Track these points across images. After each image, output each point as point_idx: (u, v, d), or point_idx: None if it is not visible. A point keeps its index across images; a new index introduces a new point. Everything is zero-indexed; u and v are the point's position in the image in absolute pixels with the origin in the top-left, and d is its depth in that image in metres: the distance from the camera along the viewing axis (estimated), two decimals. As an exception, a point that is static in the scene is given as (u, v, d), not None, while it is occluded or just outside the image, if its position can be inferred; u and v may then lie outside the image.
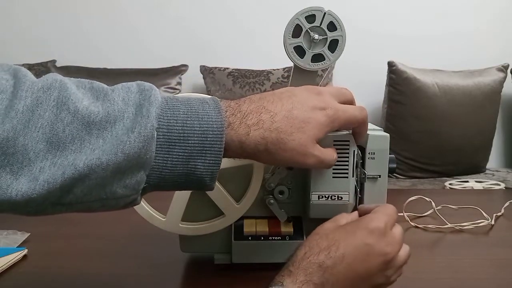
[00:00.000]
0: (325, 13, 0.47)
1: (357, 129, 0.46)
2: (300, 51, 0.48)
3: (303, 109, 0.40)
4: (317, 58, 0.48)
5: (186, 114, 0.36)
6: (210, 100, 0.38)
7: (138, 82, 0.37)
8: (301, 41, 0.48)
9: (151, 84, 0.37)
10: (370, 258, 0.39)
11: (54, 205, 0.33)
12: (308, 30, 0.47)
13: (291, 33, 0.47)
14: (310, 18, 0.47)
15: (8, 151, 0.31)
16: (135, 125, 0.34)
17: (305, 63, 0.48)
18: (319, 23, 0.47)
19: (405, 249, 0.44)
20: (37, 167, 0.31)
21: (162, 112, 0.35)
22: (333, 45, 0.48)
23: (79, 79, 0.36)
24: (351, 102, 0.45)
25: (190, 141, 0.36)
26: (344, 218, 0.45)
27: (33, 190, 0.31)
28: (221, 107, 0.37)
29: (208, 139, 0.36)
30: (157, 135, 0.35)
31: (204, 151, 0.36)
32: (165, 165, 0.36)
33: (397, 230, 0.44)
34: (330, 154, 0.42)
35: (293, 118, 0.39)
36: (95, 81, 0.37)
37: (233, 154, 0.39)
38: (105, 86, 0.37)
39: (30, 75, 0.34)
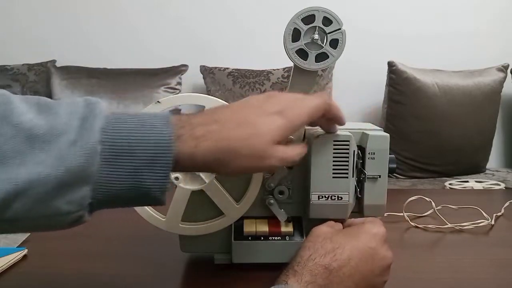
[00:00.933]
0: (320, 11, 0.47)
1: (327, 115, 0.43)
2: (302, 54, 0.48)
3: (256, 114, 0.39)
4: (321, 57, 0.48)
5: (132, 126, 0.35)
6: (160, 114, 0.37)
7: (86, 97, 0.36)
8: (301, 44, 0.48)
9: (97, 99, 0.36)
10: (373, 260, 0.40)
11: None
12: (307, 31, 0.47)
13: (291, 37, 0.48)
14: (307, 19, 0.47)
15: None
16: (78, 139, 0.33)
17: (310, 64, 0.48)
18: (316, 22, 0.47)
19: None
20: None
21: (107, 125, 0.34)
22: (334, 42, 0.48)
23: (26, 96, 0.35)
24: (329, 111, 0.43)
25: (136, 154, 0.34)
26: (336, 224, 0.47)
27: None
28: (170, 120, 0.36)
29: (156, 151, 0.34)
30: (101, 148, 0.33)
31: (152, 164, 0.35)
32: (110, 179, 0.34)
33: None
34: (293, 150, 0.41)
35: (244, 125, 0.38)
36: (42, 97, 0.36)
37: (184, 168, 0.37)
38: (51, 100, 0.36)
39: None
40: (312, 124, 0.45)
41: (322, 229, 0.44)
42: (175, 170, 0.36)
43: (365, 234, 0.42)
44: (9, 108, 0.33)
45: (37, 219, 0.33)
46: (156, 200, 0.36)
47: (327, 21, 0.47)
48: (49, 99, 0.36)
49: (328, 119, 0.45)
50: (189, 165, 0.36)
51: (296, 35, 0.47)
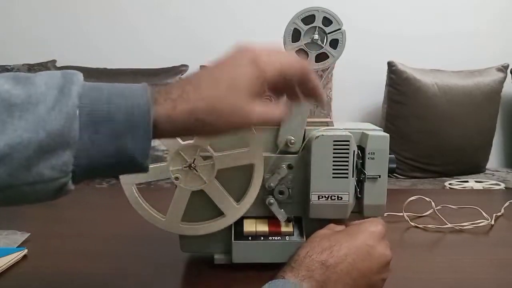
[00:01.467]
0: (320, 11, 0.47)
1: (303, 79, 0.40)
2: (302, 54, 0.48)
3: (228, 67, 0.38)
4: (321, 57, 0.48)
5: (110, 93, 0.35)
6: (136, 84, 0.37)
7: (63, 70, 0.37)
8: (301, 44, 0.48)
9: (75, 71, 0.37)
10: (371, 257, 0.40)
11: None
12: (307, 31, 0.47)
13: (291, 37, 0.48)
14: (306, 19, 0.47)
15: None
16: (56, 104, 0.33)
17: (310, 64, 0.48)
18: (316, 22, 0.47)
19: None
20: None
21: (85, 92, 0.35)
22: (334, 42, 0.48)
23: (2, 73, 0.36)
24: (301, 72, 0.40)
25: (116, 119, 0.34)
26: (338, 227, 0.47)
27: None
28: (146, 87, 0.36)
29: (135, 115, 0.35)
30: (80, 114, 0.34)
31: (132, 129, 0.35)
32: (92, 145, 0.34)
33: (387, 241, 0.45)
34: (273, 108, 0.40)
35: (217, 80, 0.37)
36: (18, 72, 0.36)
37: (164, 132, 0.37)
38: (28, 73, 0.36)
39: None
40: (286, 86, 0.41)
41: (321, 231, 0.45)
42: (156, 135, 0.36)
43: (362, 232, 0.42)
44: None
45: (20, 187, 0.33)
46: (139, 166, 0.36)
47: (327, 21, 0.47)
48: (25, 73, 0.36)
49: (305, 87, 0.41)
50: (169, 128, 0.36)
51: (296, 35, 0.47)
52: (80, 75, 0.36)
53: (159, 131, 0.36)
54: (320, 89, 0.42)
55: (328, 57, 0.48)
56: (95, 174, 0.37)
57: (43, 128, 0.32)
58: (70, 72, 0.36)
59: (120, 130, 0.35)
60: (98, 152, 0.35)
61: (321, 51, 0.48)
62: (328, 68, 0.50)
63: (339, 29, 0.47)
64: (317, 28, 0.47)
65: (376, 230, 0.43)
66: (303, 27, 0.47)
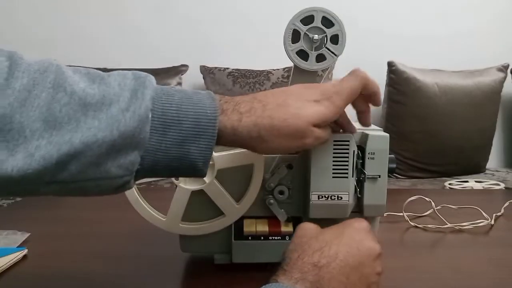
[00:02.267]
0: (319, 12, 0.47)
1: (365, 91, 0.44)
2: (303, 55, 0.48)
3: (297, 99, 0.41)
4: (321, 57, 0.48)
5: (180, 99, 0.37)
6: (203, 91, 0.40)
7: (134, 71, 0.38)
8: (301, 45, 0.48)
9: (146, 73, 0.38)
10: (360, 252, 0.41)
11: (49, 184, 0.34)
12: (306, 32, 0.47)
13: (291, 39, 0.48)
14: (306, 20, 0.47)
15: (4, 127, 0.31)
16: (129, 106, 0.35)
17: (311, 65, 0.48)
18: (316, 23, 0.47)
19: None
20: (33, 145, 0.32)
21: (157, 96, 0.36)
22: (334, 41, 0.48)
23: (76, 67, 0.38)
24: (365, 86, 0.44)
25: (184, 125, 0.36)
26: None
27: (28, 165, 0.31)
28: (214, 96, 0.39)
29: (202, 123, 0.37)
30: (152, 117, 0.35)
31: (198, 136, 0.37)
32: (159, 147, 0.36)
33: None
34: (326, 131, 0.43)
35: (286, 106, 0.40)
36: (91, 69, 0.38)
37: (226, 141, 0.39)
38: (101, 72, 0.37)
39: (26, 57, 0.35)
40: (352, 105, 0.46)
41: (306, 226, 0.44)
42: (218, 143, 0.38)
43: (348, 228, 0.43)
44: (62, 77, 0.34)
45: (86, 182, 0.35)
46: (199, 171, 0.39)
47: (326, 21, 0.47)
48: (98, 71, 0.37)
49: (366, 96, 0.45)
50: (232, 139, 0.39)
51: (295, 36, 0.47)
52: (152, 79, 0.38)
53: (222, 140, 0.39)
54: (379, 95, 0.46)
55: (328, 56, 0.48)
56: (156, 174, 0.38)
57: (117, 128, 0.34)
58: (143, 75, 0.37)
59: (187, 136, 0.37)
60: (164, 155, 0.37)
61: (321, 51, 0.48)
62: (328, 68, 0.50)
63: (339, 29, 0.47)
64: (316, 28, 0.47)
65: (361, 226, 0.43)
66: (303, 28, 0.47)
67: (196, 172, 0.39)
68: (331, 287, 0.38)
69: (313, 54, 0.48)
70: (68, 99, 0.33)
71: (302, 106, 0.40)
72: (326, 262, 0.39)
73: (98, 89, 0.35)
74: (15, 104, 0.32)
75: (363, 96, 0.45)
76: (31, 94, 0.32)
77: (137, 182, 0.39)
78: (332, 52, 0.48)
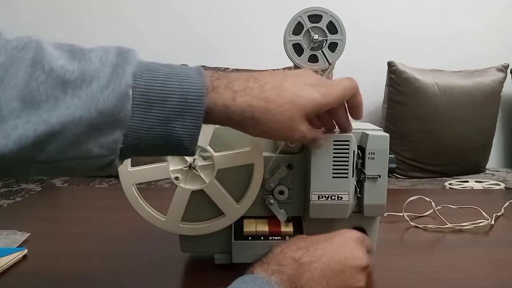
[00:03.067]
0: (328, 15, 0.47)
1: (352, 100, 0.44)
2: (298, 49, 0.48)
3: (295, 82, 0.39)
4: (315, 58, 0.48)
5: (166, 75, 0.36)
6: (193, 66, 0.38)
7: (119, 46, 0.37)
8: (300, 39, 0.48)
9: (132, 48, 0.37)
10: (346, 260, 0.40)
11: (29, 163, 0.33)
12: (309, 29, 0.47)
13: (292, 30, 0.47)
14: (313, 17, 0.47)
15: None
16: (109, 83, 0.33)
17: (302, 61, 0.48)
18: (321, 24, 0.47)
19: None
20: (10, 125, 0.31)
21: (140, 72, 0.35)
22: (332, 48, 0.48)
23: (60, 42, 0.36)
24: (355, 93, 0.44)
25: (168, 103, 0.35)
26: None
27: (5, 145, 0.30)
28: (203, 71, 0.37)
29: (188, 101, 0.35)
30: (133, 94, 0.34)
31: (183, 113, 0.35)
32: (142, 125, 0.35)
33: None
34: (314, 132, 0.42)
35: (283, 89, 0.38)
36: (75, 44, 0.36)
37: (217, 120, 0.37)
38: (84, 47, 0.36)
39: (5, 33, 0.34)
40: (333, 111, 0.45)
41: (298, 237, 0.44)
42: (209, 121, 0.37)
43: (339, 235, 0.42)
44: (41, 54, 0.33)
45: (68, 161, 0.34)
46: (186, 150, 0.37)
47: (331, 25, 0.47)
48: (81, 46, 0.36)
49: (350, 106, 0.45)
50: (223, 117, 0.37)
51: (298, 29, 0.47)
52: (135, 53, 0.36)
53: (213, 118, 0.37)
54: (361, 110, 0.45)
55: (321, 60, 0.48)
56: (142, 153, 0.37)
57: (95, 106, 0.32)
58: (126, 50, 0.36)
59: (171, 113, 0.35)
60: (147, 132, 0.35)
61: (316, 52, 0.48)
62: (328, 68, 0.50)
63: (341, 38, 0.47)
64: (319, 29, 0.47)
65: (353, 235, 0.43)
66: (308, 24, 0.47)
67: (184, 150, 0.37)
68: (308, 285, 0.37)
69: (307, 52, 0.48)
70: (46, 77, 0.32)
71: (298, 92, 0.39)
72: (309, 261, 0.38)
73: (78, 65, 0.33)
74: None
75: (344, 107, 0.45)
76: (8, 73, 0.31)
77: (125, 159, 0.38)
78: (326, 58, 0.48)
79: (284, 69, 1.92)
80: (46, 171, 0.35)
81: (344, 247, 0.41)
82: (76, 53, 0.35)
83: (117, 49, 0.36)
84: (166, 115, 0.35)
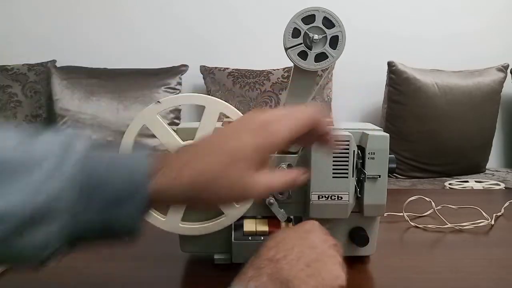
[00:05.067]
0: (320, 12, 0.47)
1: (316, 132, 0.39)
2: (302, 54, 0.48)
3: (230, 138, 0.36)
4: (320, 57, 0.48)
5: (108, 167, 0.34)
6: (139, 151, 0.36)
7: (69, 130, 0.36)
8: (301, 43, 0.48)
9: (77, 134, 0.35)
10: (315, 242, 0.41)
11: None
12: (307, 31, 0.47)
13: (290, 37, 0.47)
14: (307, 19, 0.47)
15: None
16: (52, 173, 0.32)
17: (309, 64, 0.48)
18: (316, 22, 0.47)
19: None
20: None
21: (83, 163, 0.33)
22: (334, 42, 0.48)
23: (23, 127, 0.36)
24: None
25: (109, 193, 0.33)
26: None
27: None
28: (147, 157, 0.35)
29: (131, 188, 0.33)
30: (74, 186, 0.32)
31: (125, 202, 0.33)
32: (84, 216, 0.33)
33: None
34: (280, 177, 0.37)
35: (219, 153, 0.35)
36: (25, 126, 0.36)
37: (163, 204, 0.36)
38: (33, 132, 0.35)
39: None
40: (299, 141, 0.40)
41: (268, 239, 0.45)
42: (154, 207, 0.36)
43: (301, 226, 0.44)
44: None
45: (5, 253, 0.32)
46: (132, 236, 0.35)
47: (327, 21, 0.47)
48: (30, 131, 0.35)
49: (316, 134, 0.39)
50: (168, 200, 0.36)
51: (296, 35, 0.47)
52: (83, 141, 0.35)
53: (157, 202, 0.35)
54: (331, 137, 0.40)
55: (327, 57, 0.48)
56: (87, 243, 0.36)
57: (34, 197, 0.31)
58: (73, 137, 0.35)
59: (112, 202, 0.33)
60: (87, 224, 0.34)
61: (320, 51, 0.48)
62: (328, 68, 0.50)
63: (339, 29, 0.47)
64: (317, 28, 0.47)
65: (314, 223, 0.44)
66: (303, 27, 0.47)
67: (130, 237, 0.36)
68: (291, 276, 0.37)
69: (312, 54, 0.48)
70: None
71: (234, 148, 0.35)
72: (283, 255, 0.38)
73: (22, 152, 0.32)
74: None
75: (315, 136, 0.40)
76: None
77: (73, 249, 0.35)
78: (331, 53, 0.48)
79: (284, 69, 1.92)
80: None
81: (310, 233, 0.42)
82: (25, 139, 0.33)
83: (66, 136, 0.34)
84: (106, 203, 0.33)
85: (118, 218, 0.34)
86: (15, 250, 0.31)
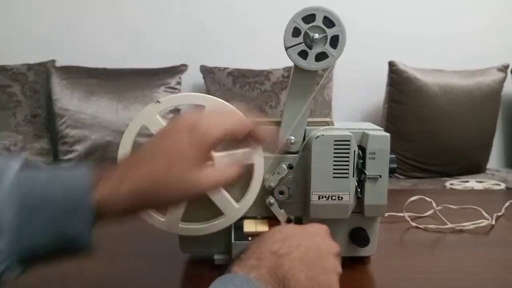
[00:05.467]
0: (320, 11, 0.47)
1: (250, 135, 0.43)
2: (302, 53, 0.48)
3: (165, 140, 0.38)
4: (320, 57, 0.48)
5: (47, 180, 0.34)
6: (78, 166, 0.37)
7: (1, 156, 0.36)
8: (301, 43, 0.47)
9: (13, 156, 0.36)
10: (322, 248, 0.41)
11: None
12: (307, 31, 0.47)
13: (290, 36, 0.47)
14: (307, 18, 0.47)
15: None
16: None
17: (309, 64, 0.48)
18: (317, 22, 0.47)
19: None
20: None
21: (19, 181, 0.34)
22: (334, 42, 0.47)
23: None
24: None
25: (51, 206, 0.34)
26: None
27: None
28: (88, 169, 0.36)
29: (73, 202, 0.34)
30: (10, 203, 0.33)
31: (70, 214, 0.34)
32: (25, 233, 0.33)
33: None
34: (225, 172, 0.40)
35: (157, 156, 0.37)
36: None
37: (110, 214, 0.36)
38: None
39: None
40: (235, 141, 0.44)
41: (273, 230, 0.45)
42: (101, 218, 0.36)
43: (311, 226, 0.44)
44: None
45: None
46: (82, 250, 0.36)
47: (327, 20, 0.47)
48: None
49: (253, 138, 0.44)
50: (114, 210, 0.36)
51: (296, 34, 0.47)
52: (14, 163, 0.35)
53: (104, 213, 0.36)
54: (265, 137, 0.44)
55: (328, 56, 0.48)
56: (41, 260, 0.36)
57: None
58: (5, 160, 0.35)
59: (57, 216, 0.34)
60: (34, 239, 0.34)
61: (320, 50, 0.48)
62: (328, 67, 0.50)
63: (339, 29, 0.47)
64: (317, 27, 0.47)
65: (322, 226, 0.44)
66: (304, 26, 0.47)
67: (80, 251, 0.36)
68: (290, 274, 0.37)
69: (312, 53, 0.48)
70: None
71: (173, 147, 0.37)
72: (287, 252, 0.39)
73: None
74: None
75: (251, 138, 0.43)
76: None
77: (25, 267, 0.36)
78: (331, 53, 0.48)
79: (285, 69, 1.92)
80: None
81: (318, 234, 0.43)
82: None
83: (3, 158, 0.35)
84: (50, 219, 0.34)
85: (64, 232, 0.34)
86: None
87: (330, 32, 0.47)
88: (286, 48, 0.48)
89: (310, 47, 0.48)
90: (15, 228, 0.33)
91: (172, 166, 0.36)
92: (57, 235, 0.34)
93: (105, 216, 0.36)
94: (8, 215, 0.32)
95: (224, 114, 0.42)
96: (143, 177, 0.36)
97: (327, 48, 0.48)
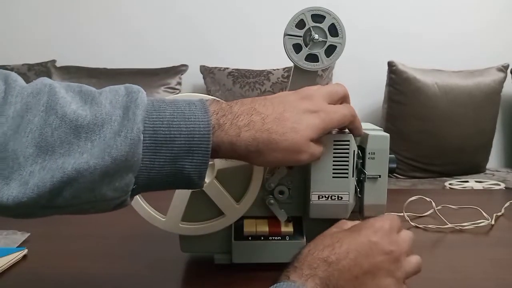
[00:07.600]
0: (331, 17, 0.47)
1: (350, 125, 0.47)
2: (297, 47, 0.48)
3: (295, 111, 0.41)
4: (312, 58, 0.48)
5: (172, 115, 0.37)
6: (197, 101, 0.39)
7: (127, 85, 0.38)
8: (301, 36, 0.47)
9: (138, 87, 0.38)
10: (373, 254, 0.39)
11: (44, 208, 0.34)
12: (311, 28, 0.47)
13: (293, 26, 0.47)
14: (316, 17, 0.47)
15: None
16: (121, 129, 0.34)
17: (299, 59, 0.48)
18: (323, 25, 0.47)
19: (416, 257, 0.43)
20: (27, 171, 0.32)
21: (148, 114, 0.36)
22: (330, 50, 0.48)
23: (68, 83, 0.37)
24: (345, 98, 0.46)
25: (176, 142, 0.36)
26: (348, 223, 0.46)
27: (23, 194, 0.31)
28: (208, 109, 0.38)
29: (195, 139, 0.36)
30: (143, 137, 0.35)
31: (191, 152, 0.36)
32: (152, 166, 0.36)
33: (405, 233, 0.44)
34: (320, 148, 0.43)
35: (284, 119, 0.40)
36: (84, 85, 0.38)
37: (224, 155, 0.39)
38: (93, 89, 0.37)
39: (20, 80, 0.35)
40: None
41: (329, 230, 0.44)
42: (216, 156, 0.39)
43: (366, 228, 0.41)
44: (54, 98, 0.34)
45: (82, 205, 0.35)
46: (195, 185, 0.39)
47: (333, 28, 0.47)
48: (90, 88, 0.37)
49: (349, 128, 0.48)
50: (230, 152, 0.39)
51: (300, 26, 0.47)
52: (144, 95, 0.37)
53: (220, 154, 0.39)
54: (360, 130, 0.48)
55: (318, 61, 0.48)
56: (152, 189, 0.39)
57: (109, 154, 0.33)
58: (134, 90, 0.37)
59: (179, 152, 0.36)
60: (157, 172, 0.36)
61: (314, 52, 0.48)
62: (329, 67, 0.50)
63: (341, 42, 0.47)
64: (321, 29, 0.47)
65: (382, 226, 0.41)
66: (310, 23, 0.47)
67: (192, 186, 0.39)
68: (339, 285, 0.36)
69: (305, 51, 0.48)
70: (60, 122, 0.33)
71: (299, 120, 0.40)
72: (336, 259, 0.38)
73: (89, 110, 0.35)
74: (9, 132, 0.32)
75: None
76: (24, 120, 0.32)
77: (135, 195, 0.39)
78: (323, 59, 0.48)
79: (284, 69, 1.92)
80: (60, 213, 0.36)
81: (371, 239, 0.39)
82: (87, 96, 0.36)
83: (126, 89, 0.37)
84: (174, 155, 0.36)
85: (182, 171, 0.37)
86: (98, 196, 0.35)
87: (331, 40, 0.47)
88: (285, 34, 0.47)
89: (307, 45, 0.48)
90: (143, 163, 0.35)
91: (292, 133, 0.39)
92: (176, 170, 0.37)
93: (220, 157, 0.39)
94: (140, 152, 0.35)
95: (339, 107, 0.45)
96: (265, 131, 0.39)
97: (321, 53, 0.48)
